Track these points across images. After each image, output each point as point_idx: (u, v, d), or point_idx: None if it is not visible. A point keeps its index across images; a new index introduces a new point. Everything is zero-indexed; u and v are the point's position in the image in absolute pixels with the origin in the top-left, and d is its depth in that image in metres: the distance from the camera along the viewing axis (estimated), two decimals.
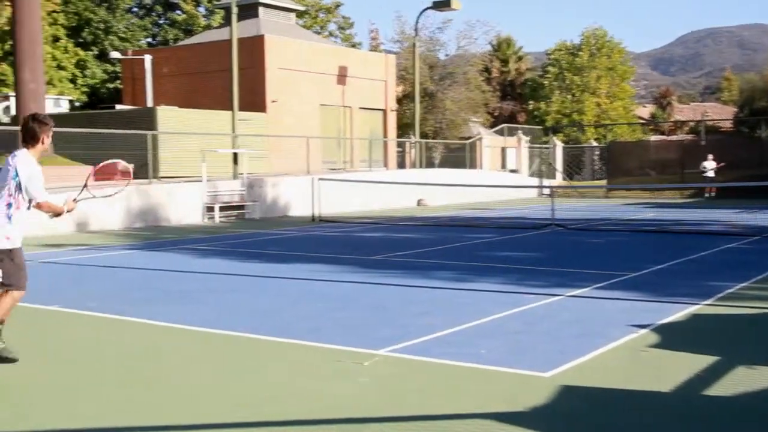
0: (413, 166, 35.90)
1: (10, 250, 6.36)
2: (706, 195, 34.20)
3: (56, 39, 46.72)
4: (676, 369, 6.21)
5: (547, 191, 32.74)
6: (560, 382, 5.87)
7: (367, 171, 32.49)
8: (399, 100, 46.65)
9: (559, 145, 44.78)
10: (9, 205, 6.28)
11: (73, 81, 48.20)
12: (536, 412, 5.25)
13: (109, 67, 49.52)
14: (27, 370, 6.47)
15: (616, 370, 6.28)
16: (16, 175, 6.24)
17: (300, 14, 49.41)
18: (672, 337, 7.36)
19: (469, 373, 6.18)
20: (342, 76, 36.81)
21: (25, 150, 6.38)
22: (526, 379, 6.01)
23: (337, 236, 18.19)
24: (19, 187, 6.26)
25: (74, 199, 6.83)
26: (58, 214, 6.66)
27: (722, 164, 33.83)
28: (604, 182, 39.79)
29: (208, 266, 12.70)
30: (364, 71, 38.08)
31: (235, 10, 25.72)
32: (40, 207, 6.48)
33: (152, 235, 18.27)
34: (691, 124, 66.93)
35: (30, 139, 6.37)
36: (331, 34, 60.53)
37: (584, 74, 61.44)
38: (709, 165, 34.00)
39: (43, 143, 6.40)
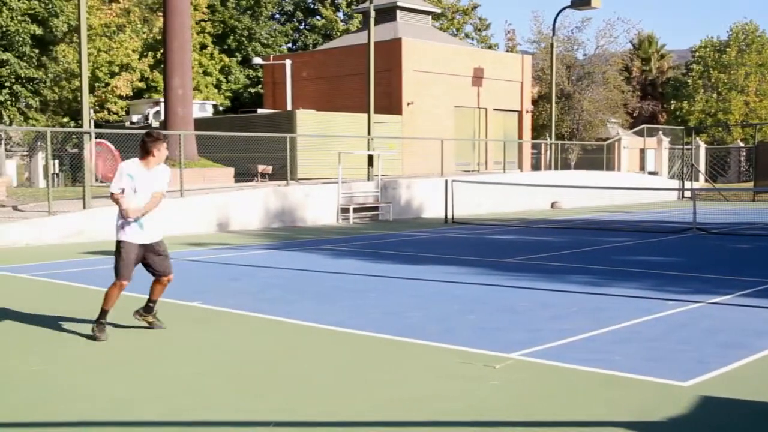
0: (548, 167, 35.36)
1: (120, 242, 7.55)
2: None
3: (203, 46, 48.76)
4: None
5: (688, 194, 31.55)
6: (700, 392, 5.66)
7: (501, 173, 32.23)
8: (535, 101, 46.00)
9: (702, 146, 43.06)
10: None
11: (217, 86, 50.15)
12: (673, 422, 5.09)
13: (251, 72, 51.21)
14: (167, 362, 6.80)
15: (761, 382, 5.99)
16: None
17: (436, 17, 49.54)
18: None
19: (603, 380, 6.05)
20: (477, 78, 36.66)
21: (135, 159, 7.58)
22: (664, 388, 5.82)
23: (469, 238, 18.15)
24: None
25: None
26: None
27: None
28: (750, 185, 37.93)
29: (342, 266, 12.94)
30: (499, 72, 37.79)
31: (372, 14, 26.09)
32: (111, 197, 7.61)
33: (289, 236, 18.78)
34: None
35: (141, 151, 7.55)
36: (467, 36, 60.40)
37: (731, 72, 58.76)
38: None
39: (153, 155, 7.51)
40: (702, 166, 41.06)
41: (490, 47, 59.34)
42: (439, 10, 46.23)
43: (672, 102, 62.08)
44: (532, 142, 40.18)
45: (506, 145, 35.26)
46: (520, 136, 38.92)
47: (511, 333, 7.70)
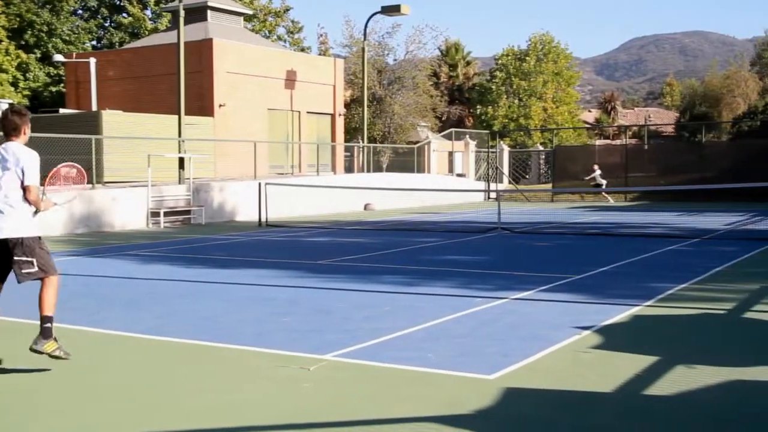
0: (361, 170, 35.94)
1: (39, 238, 6.40)
2: (611, 202, 34.96)
3: None
4: (618, 369, 6.32)
5: (493, 195, 33.05)
6: (504, 384, 5.94)
7: (315, 175, 32.42)
8: (347, 105, 46.64)
9: (505, 150, 45.24)
10: (23, 193, 6.30)
11: (14, 84, 47.21)
12: (480, 414, 5.30)
13: (52, 70, 48.59)
14: None
15: (558, 371, 6.36)
16: (18, 162, 6.25)
17: (248, 18, 49.08)
18: (614, 339, 7.49)
19: (414, 377, 6.22)
20: (290, 80, 36.67)
21: (13, 142, 6.39)
22: (471, 382, 6.06)
23: (283, 241, 18.12)
24: (23, 174, 6.27)
25: (54, 203, 6.80)
26: (36, 209, 6.47)
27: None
28: (549, 186, 40.29)
29: (152, 272, 12.55)
30: (312, 75, 37.98)
31: (182, 13, 25.46)
32: (29, 191, 6.31)
33: (95, 241, 18.00)
34: (635, 128, 68.17)
35: (12, 131, 6.41)
36: (279, 38, 60.23)
37: (531, 79, 62.16)
38: (598, 173, 35.16)
39: (25, 134, 6.45)
40: (506, 169, 43.13)
41: (302, 50, 59.50)
42: (251, 12, 45.89)
43: (478, 107, 64.83)
44: (345, 145, 40.68)
45: (319, 148, 35.52)
46: (333, 139, 39.31)
47: (325, 334, 7.75)
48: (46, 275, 6.35)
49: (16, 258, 6.27)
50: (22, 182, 6.27)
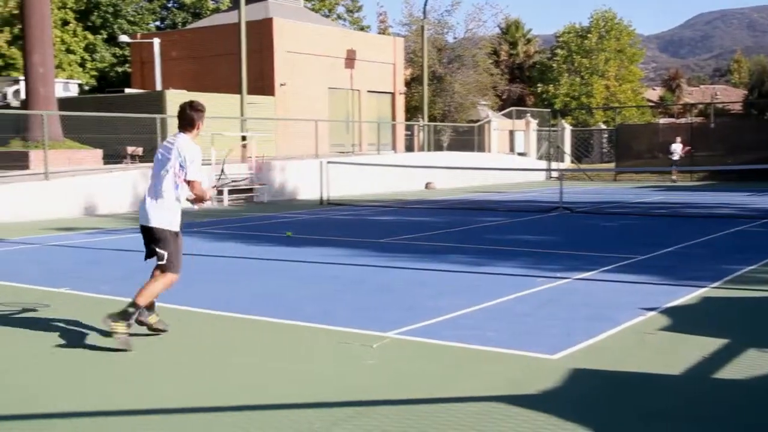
0: (421, 149, 35.84)
1: (176, 233, 6.75)
2: (674, 179, 34.16)
3: (65, 23, 46.70)
4: (685, 352, 6.22)
5: (555, 174, 32.69)
6: (567, 364, 5.89)
7: (376, 154, 32.46)
8: (407, 83, 46.48)
9: (567, 128, 44.64)
10: (177, 186, 6.65)
11: (82, 65, 48.20)
12: (543, 394, 5.28)
13: (118, 51, 49.47)
14: (37, 353, 6.51)
15: (623, 353, 6.29)
16: (179, 155, 6.58)
17: None
18: (680, 320, 7.36)
19: (476, 356, 6.21)
20: (350, 59, 36.70)
21: (183, 134, 6.77)
22: (534, 361, 6.03)
23: (346, 219, 18.22)
24: (182, 167, 6.60)
25: (213, 186, 7.16)
26: (201, 200, 6.90)
27: (689, 148, 33.96)
28: (612, 165, 39.66)
29: (216, 249, 12.74)
30: (372, 54, 37.95)
31: None
32: (193, 186, 6.70)
33: None
34: (700, 106, 66.59)
35: (187, 125, 6.79)
36: (339, 17, 60.29)
37: (593, 57, 61.10)
38: (677, 148, 33.85)
39: (198, 129, 6.85)
40: (567, 148, 42.57)
41: (362, 29, 59.46)
42: None
43: (538, 85, 64.01)
44: (406, 124, 40.61)
45: (380, 127, 35.54)
46: (394, 118, 39.27)
47: (388, 312, 7.78)
48: (167, 270, 6.70)
49: (154, 247, 6.68)
50: (184, 176, 6.61)
